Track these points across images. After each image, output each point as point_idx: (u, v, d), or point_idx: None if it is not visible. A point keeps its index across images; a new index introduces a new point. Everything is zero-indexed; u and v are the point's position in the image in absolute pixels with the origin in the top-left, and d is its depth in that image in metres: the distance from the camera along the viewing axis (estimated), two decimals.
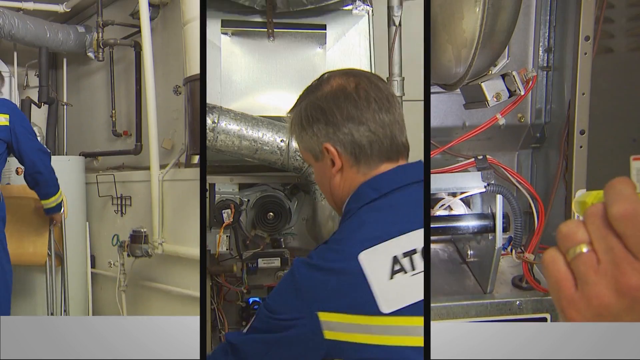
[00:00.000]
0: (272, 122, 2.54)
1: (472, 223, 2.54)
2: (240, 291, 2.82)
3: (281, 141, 2.51)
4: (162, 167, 3.85)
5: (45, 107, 5.22)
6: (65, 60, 5.64)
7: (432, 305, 2.41)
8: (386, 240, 1.61)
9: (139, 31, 4.05)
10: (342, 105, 1.72)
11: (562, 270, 0.83)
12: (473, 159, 2.57)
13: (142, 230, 3.78)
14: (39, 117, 5.19)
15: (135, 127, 4.74)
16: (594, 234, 0.80)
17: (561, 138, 2.49)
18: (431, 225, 2.50)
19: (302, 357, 1.63)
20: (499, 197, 2.45)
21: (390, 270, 1.59)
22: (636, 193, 0.78)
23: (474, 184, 2.54)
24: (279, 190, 2.86)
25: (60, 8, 5.16)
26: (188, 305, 3.66)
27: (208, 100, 2.52)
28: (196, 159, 3.73)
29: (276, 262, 2.76)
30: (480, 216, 2.56)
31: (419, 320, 1.59)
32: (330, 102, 1.74)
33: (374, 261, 1.58)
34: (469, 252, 2.73)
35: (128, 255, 3.82)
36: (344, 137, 1.72)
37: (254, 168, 2.78)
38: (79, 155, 5.07)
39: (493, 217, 2.47)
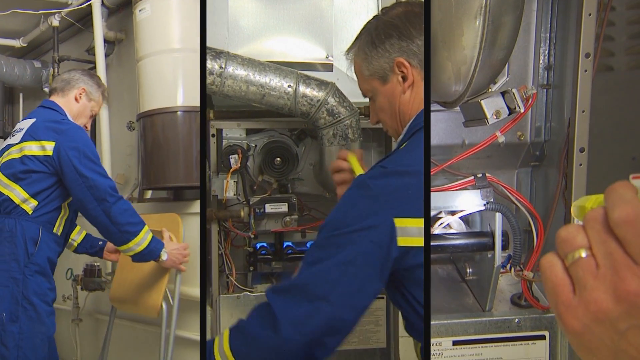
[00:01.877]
0: (279, 67, 2.54)
1: (471, 241, 2.53)
2: (247, 236, 2.82)
3: (288, 86, 2.50)
4: None
5: (1, 142, 5.19)
6: (21, 95, 5.68)
7: (431, 322, 2.39)
8: None
9: (94, 67, 4.08)
10: (414, 21, 1.88)
11: (559, 275, 0.81)
12: (472, 177, 2.56)
13: (95, 264, 3.75)
14: None
15: None
16: (594, 238, 0.79)
17: (561, 156, 2.48)
18: (430, 244, 2.49)
19: (373, 271, 1.60)
20: (498, 215, 2.45)
21: None
22: (637, 197, 0.77)
23: (473, 202, 2.53)
24: (286, 136, 2.87)
25: (16, 43, 5.18)
26: (142, 337, 3.68)
27: (215, 45, 2.52)
28: (149, 193, 3.74)
29: (283, 208, 2.77)
30: (479, 234, 2.55)
31: None
32: (403, 20, 1.88)
33: None
34: (468, 271, 2.72)
35: (82, 288, 3.80)
36: (417, 49, 1.86)
37: (261, 113, 2.77)
38: None
39: (492, 235, 2.46)
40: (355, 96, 2.59)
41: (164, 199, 3.78)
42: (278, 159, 2.79)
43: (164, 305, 3.09)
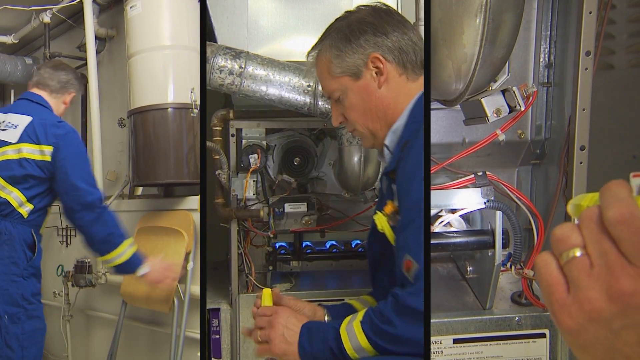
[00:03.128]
0: (299, 67, 2.55)
1: (471, 239, 2.53)
2: (266, 236, 2.84)
3: (308, 86, 2.51)
4: (106, 198, 3.82)
5: None
6: (12, 91, 5.64)
7: (432, 321, 2.39)
8: None
9: (86, 64, 4.07)
10: (387, 18, 1.94)
11: (554, 274, 0.81)
12: (473, 175, 2.56)
13: (86, 260, 3.76)
14: None
15: None
16: (589, 237, 0.79)
17: (561, 154, 2.48)
18: (431, 242, 2.48)
19: None
20: (498, 214, 2.44)
21: None
22: (632, 196, 0.77)
23: (473, 200, 2.53)
24: (306, 135, 2.88)
25: (8, 39, 5.11)
26: (132, 333, 3.69)
27: (235, 45, 2.54)
28: (140, 190, 3.75)
29: (302, 207, 2.79)
30: (480, 232, 2.54)
31: None
32: (376, 17, 1.94)
33: None
34: (468, 269, 2.71)
35: (72, 285, 3.81)
36: (392, 45, 1.90)
37: (280, 113, 2.78)
38: None
39: (492, 233, 2.46)
40: None
41: (155, 196, 3.79)
42: (297, 158, 2.80)
43: (175, 301, 3.11)
